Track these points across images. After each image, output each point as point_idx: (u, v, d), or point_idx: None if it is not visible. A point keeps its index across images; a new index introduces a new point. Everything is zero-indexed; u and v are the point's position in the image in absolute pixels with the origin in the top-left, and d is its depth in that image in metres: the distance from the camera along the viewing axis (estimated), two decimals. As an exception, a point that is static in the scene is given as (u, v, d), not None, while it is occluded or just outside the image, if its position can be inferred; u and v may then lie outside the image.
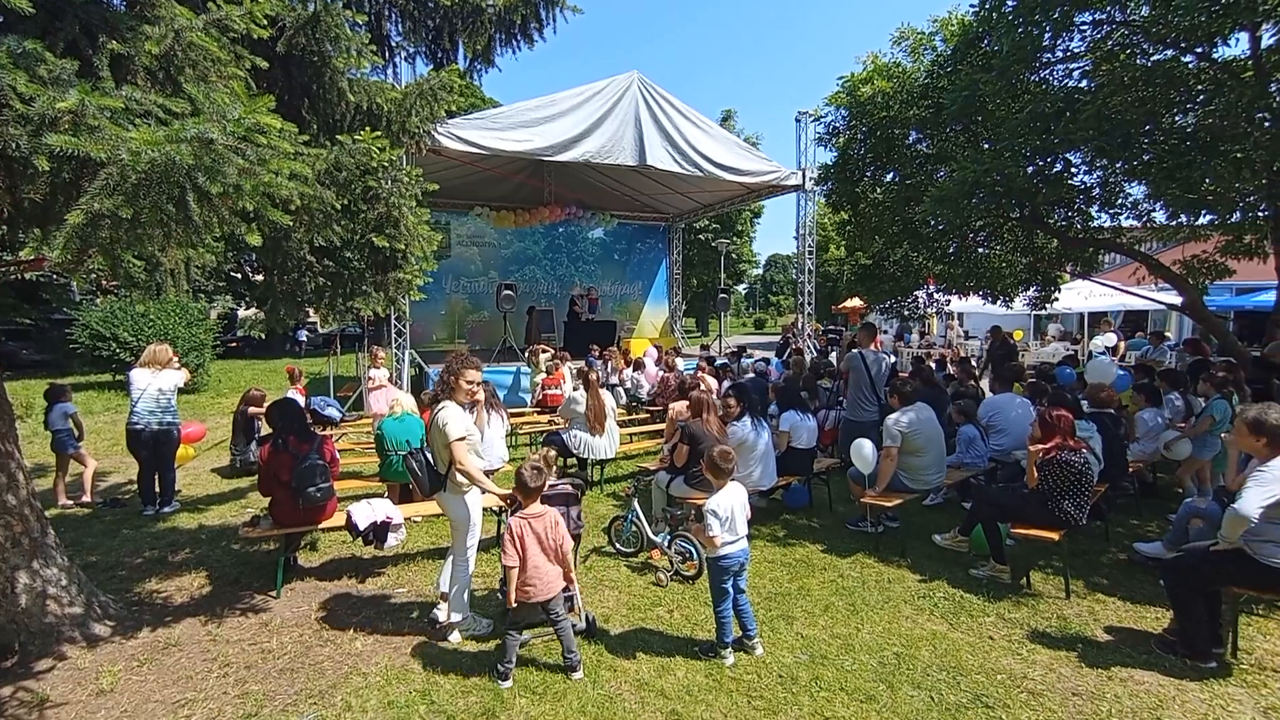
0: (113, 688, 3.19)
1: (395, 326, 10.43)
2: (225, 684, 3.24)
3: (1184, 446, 5.35)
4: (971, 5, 7.60)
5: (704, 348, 12.43)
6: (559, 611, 3.31)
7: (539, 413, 9.33)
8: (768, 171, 12.89)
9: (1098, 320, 14.80)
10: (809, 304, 13.51)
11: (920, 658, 3.41)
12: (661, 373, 9.94)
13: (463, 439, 3.48)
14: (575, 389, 7.33)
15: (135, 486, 6.08)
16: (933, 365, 10.07)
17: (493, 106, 18.42)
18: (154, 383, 5.85)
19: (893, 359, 10.80)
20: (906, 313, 11.65)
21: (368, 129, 3.16)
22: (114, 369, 13.07)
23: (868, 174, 9.60)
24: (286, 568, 4.45)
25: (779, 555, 4.86)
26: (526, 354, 10.73)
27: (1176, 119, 6.14)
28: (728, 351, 12.42)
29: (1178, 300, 7.97)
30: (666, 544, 4.60)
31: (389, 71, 4.66)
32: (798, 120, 13.10)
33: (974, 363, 11.61)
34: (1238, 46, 6.51)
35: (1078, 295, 15.71)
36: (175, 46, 2.33)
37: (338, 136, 3.16)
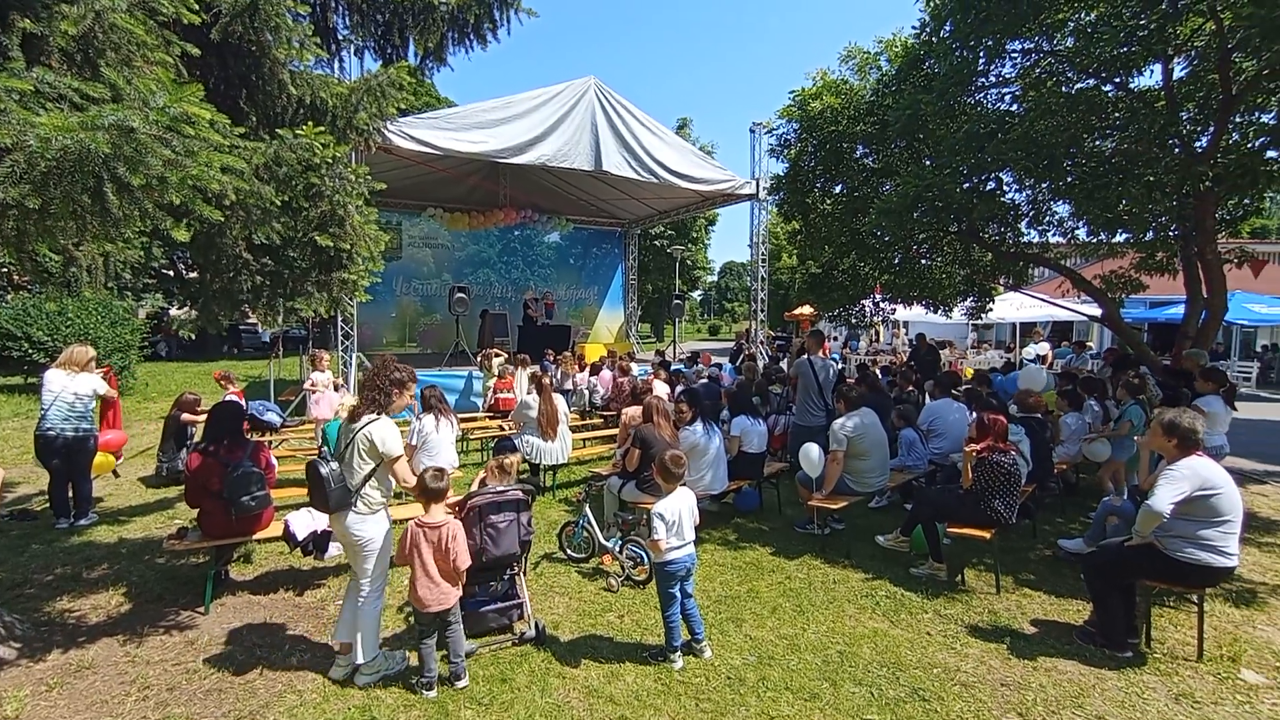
0: (18, 714, 2.95)
1: (342, 329, 10.06)
2: (144, 708, 3.03)
3: (1102, 448, 5.72)
4: (913, 27, 7.96)
5: (658, 353, 12.49)
6: (451, 620, 3.23)
7: (491, 417, 9.17)
8: (722, 180, 13.10)
9: (1029, 330, 15.66)
10: (762, 311, 13.79)
11: (862, 655, 3.51)
12: (616, 378, 9.94)
13: (401, 457, 3.21)
14: (529, 393, 7.25)
15: (47, 498, 5.65)
16: (878, 372, 10.43)
17: (448, 106, 18.10)
18: (70, 386, 5.44)
19: (840, 365, 11.13)
20: (854, 320, 12.05)
21: (310, 124, 3.04)
22: (25, 371, 12.11)
23: (817, 185, 9.91)
24: (217, 582, 4.22)
25: (729, 559, 4.92)
26: (479, 358, 10.54)
27: (1097, 143, 6.59)
28: (681, 357, 12.53)
29: (1098, 312, 8.52)
30: (618, 549, 4.59)
31: (335, 65, 4.52)
32: (752, 131, 13.38)
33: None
34: (1152, 77, 7.08)
35: (1010, 306, 16.60)
36: (95, 28, 2.19)
37: (278, 131, 3.03)
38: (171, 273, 20.60)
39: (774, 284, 33.91)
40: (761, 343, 13.76)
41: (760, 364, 11.33)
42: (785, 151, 10.27)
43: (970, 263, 9.86)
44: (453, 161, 12.33)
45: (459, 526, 3.23)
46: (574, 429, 9.75)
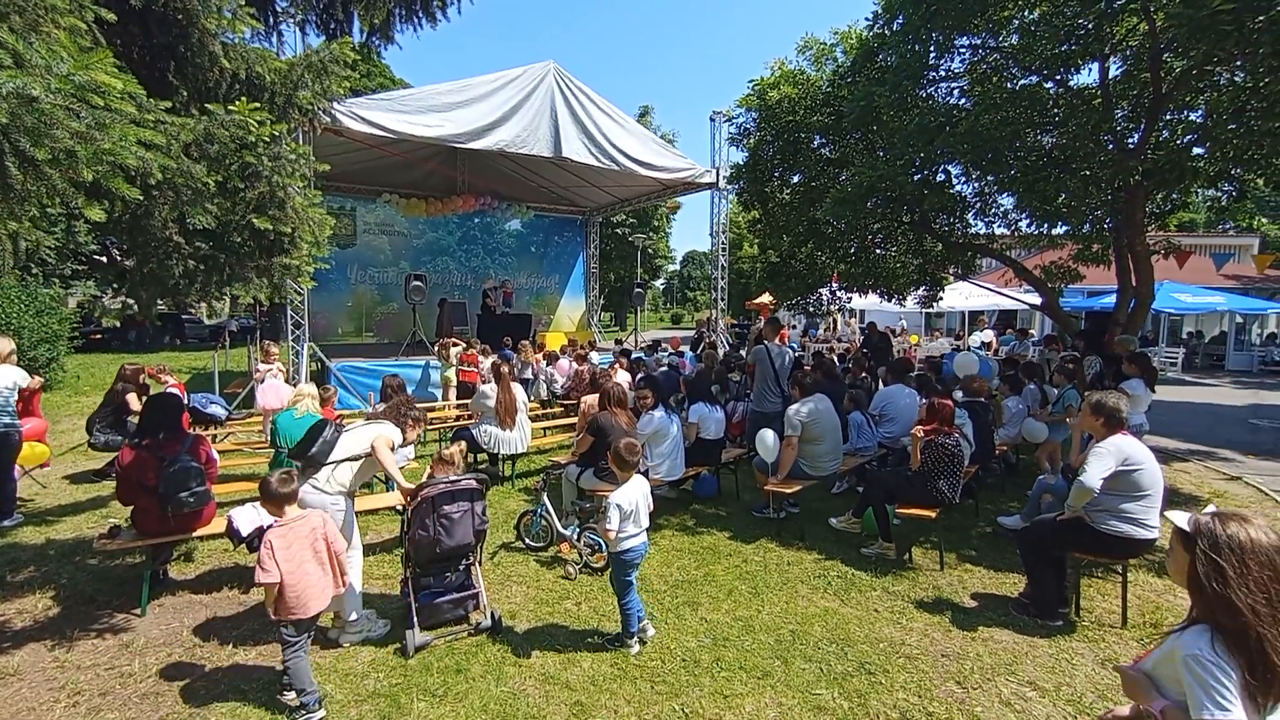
0: (-72, 729, 2.77)
1: (293, 318, 9.69)
2: (74, 714, 2.89)
3: (1040, 429, 6.00)
4: (866, 19, 8.09)
5: (618, 342, 12.50)
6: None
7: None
8: (683, 169, 13.12)
9: (976, 318, 16.26)
10: (722, 299, 13.92)
11: (813, 633, 3.62)
12: (575, 366, 9.89)
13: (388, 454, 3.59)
14: (486, 382, 7.16)
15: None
16: (835, 359, 10.67)
17: (403, 88, 17.54)
18: (-12, 379, 5.09)
19: (800, 353, 11.33)
20: (811, 309, 12.28)
21: (244, 99, 2.89)
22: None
23: (776, 174, 10.02)
24: (155, 582, 4.04)
25: (687, 544, 4.99)
26: (436, 347, 10.32)
27: (1038, 138, 6.84)
28: (643, 345, 12.56)
29: (1039, 300, 8.91)
30: (576, 537, 4.59)
31: (274, 40, 4.30)
32: (712, 120, 13.42)
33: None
34: (1090, 75, 7.38)
35: (960, 295, 17.20)
36: (-2, -11, 2.02)
37: (208, 106, 2.87)
38: (105, 259, 19.45)
39: (736, 273, 34.28)
40: (721, 331, 13.91)
41: (721, 352, 11.46)
42: (744, 141, 10.34)
43: (922, 252, 10.16)
44: (408, 146, 11.97)
45: (323, 516, 3.11)
46: (534, 418, 9.68)
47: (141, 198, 2.15)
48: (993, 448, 5.91)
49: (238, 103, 2.83)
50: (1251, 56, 5.22)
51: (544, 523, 4.87)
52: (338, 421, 3.90)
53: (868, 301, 15.46)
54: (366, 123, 9.33)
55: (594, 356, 10.75)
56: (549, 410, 9.89)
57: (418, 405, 4.05)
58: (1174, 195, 7.73)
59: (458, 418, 8.16)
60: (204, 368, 13.31)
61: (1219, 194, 7.71)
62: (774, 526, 5.28)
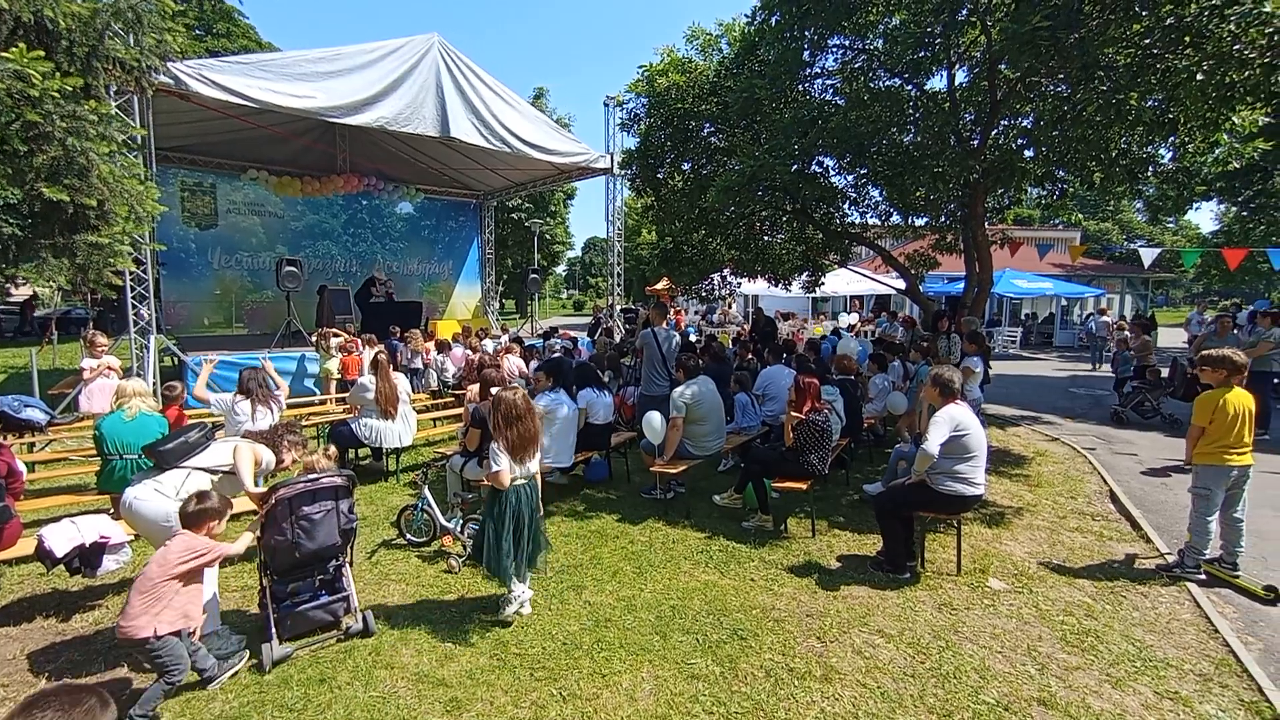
0: None
1: (133, 306, 8.54)
2: None
3: (900, 402, 6.58)
4: (745, 15, 8.36)
5: (504, 329, 12.21)
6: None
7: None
8: (577, 153, 12.95)
9: (853, 303, 17.51)
10: (619, 285, 13.99)
11: (692, 606, 3.76)
12: (469, 355, 9.56)
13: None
14: (363, 373, 6.75)
15: None
16: (727, 342, 11.10)
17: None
18: None
19: (692, 335, 11.63)
20: (704, 294, 12.65)
21: (21, 46, 2.45)
22: None
23: (668, 160, 10.15)
24: (-56, 617, 3.45)
25: (575, 529, 5.00)
26: (315, 338, 9.55)
27: (899, 136, 7.42)
28: (539, 333, 12.37)
29: (904, 285, 9.74)
30: (459, 528, 4.47)
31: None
32: (606, 105, 13.34)
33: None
34: (942, 81, 8.08)
35: (843, 281, 18.45)
36: None
37: (-22, 54, 2.41)
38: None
39: (635, 259, 34.57)
40: (618, 316, 14.00)
41: (618, 337, 11.54)
42: (635, 126, 10.39)
43: (805, 240, 10.74)
44: (277, 118, 10.90)
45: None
46: (425, 409, 9.28)
47: None
48: (861, 421, 6.41)
49: (13, 49, 2.40)
50: (1067, 70, 5.95)
51: (426, 516, 4.69)
52: (210, 428, 3.59)
53: (758, 287, 16.20)
54: (219, 88, 8.36)
55: (488, 344, 10.43)
56: (441, 400, 9.50)
57: (300, 434, 3.74)
58: (1009, 192, 8.70)
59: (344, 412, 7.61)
60: (22, 367, 11.46)
61: (1045, 192, 8.78)
62: (661, 507, 5.41)
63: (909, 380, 7.09)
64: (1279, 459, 6.64)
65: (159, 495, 3.27)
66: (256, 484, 3.37)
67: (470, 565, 4.29)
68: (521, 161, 13.44)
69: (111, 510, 4.34)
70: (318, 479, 3.32)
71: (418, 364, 10.53)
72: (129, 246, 3.04)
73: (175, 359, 9.48)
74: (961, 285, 10.06)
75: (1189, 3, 4.90)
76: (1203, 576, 4.08)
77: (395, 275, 16.59)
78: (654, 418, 5.23)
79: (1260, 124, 6.63)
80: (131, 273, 8.04)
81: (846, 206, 9.62)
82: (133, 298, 8.44)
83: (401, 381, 6.68)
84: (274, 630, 3.23)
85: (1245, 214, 20.01)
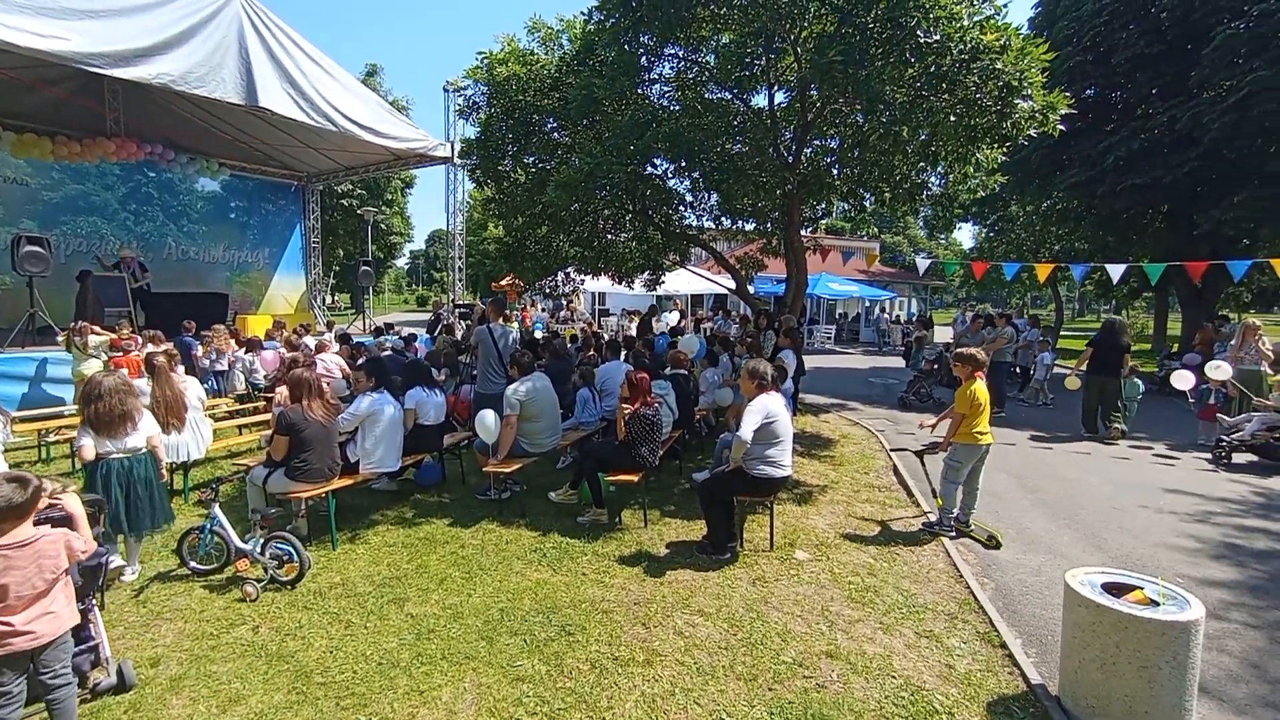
0: None
1: None
2: None
3: (727, 394, 7.09)
4: (583, 14, 8.42)
5: (329, 325, 11.13)
6: (55, 667, 2.49)
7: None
8: (413, 139, 12.16)
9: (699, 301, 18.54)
10: (460, 280, 13.38)
11: (522, 607, 3.70)
12: (282, 353, 8.54)
13: None
14: (141, 377, 5.73)
15: None
16: (571, 339, 11.12)
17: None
18: None
19: (539, 333, 11.47)
20: (548, 291, 12.57)
21: None
22: None
23: (509, 152, 9.90)
24: None
25: (402, 538, 4.69)
26: (68, 334, 7.87)
27: (727, 145, 7.96)
28: (373, 329, 11.43)
29: (734, 285, 10.51)
30: (259, 550, 3.96)
31: None
32: (446, 90, 12.69)
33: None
34: (764, 99, 8.81)
35: (682, 280, 19.40)
36: None
37: None
38: None
39: (482, 253, 33.30)
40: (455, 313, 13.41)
41: (459, 334, 11.03)
42: (474, 114, 9.99)
43: (646, 240, 11.11)
44: (13, 59, 8.73)
45: (62, 534, 2.54)
46: (228, 415, 8.14)
47: None
48: (694, 414, 6.79)
49: None
50: (860, 101, 6.80)
51: (217, 539, 4.09)
52: None
53: (607, 285, 16.47)
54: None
55: (310, 341, 9.38)
56: (250, 405, 8.36)
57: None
58: (820, 204, 9.77)
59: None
60: None
61: (849, 206, 10.00)
62: (496, 507, 5.28)
63: (736, 374, 7.66)
64: (1009, 433, 8.29)
65: None
66: None
67: (272, 589, 3.83)
68: (350, 143, 12.31)
69: None
70: (51, 509, 2.73)
71: (222, 365, 9.20)
72: None
73: None
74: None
75: (946, 55, 5.86)
76: (953, 533, 4.93)
77: (195, 262, 14.35)
78: (487, 416, 5.07)
79: (999, 161, 8.09)
80: None
81: (684, 209, 10.13)
82: None
83: (192, 386, 5.79)
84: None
85: (991, 235, 25.11)
